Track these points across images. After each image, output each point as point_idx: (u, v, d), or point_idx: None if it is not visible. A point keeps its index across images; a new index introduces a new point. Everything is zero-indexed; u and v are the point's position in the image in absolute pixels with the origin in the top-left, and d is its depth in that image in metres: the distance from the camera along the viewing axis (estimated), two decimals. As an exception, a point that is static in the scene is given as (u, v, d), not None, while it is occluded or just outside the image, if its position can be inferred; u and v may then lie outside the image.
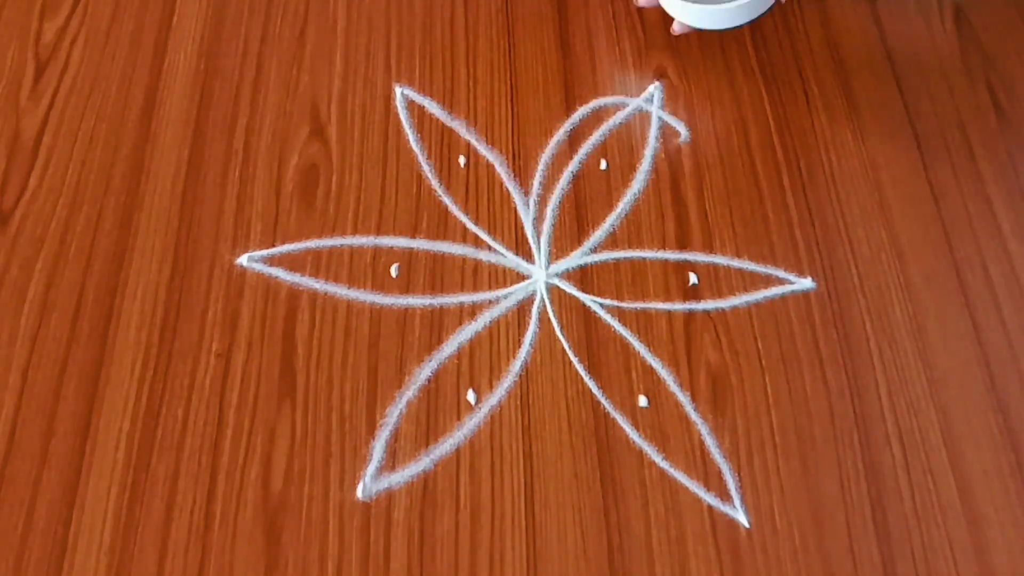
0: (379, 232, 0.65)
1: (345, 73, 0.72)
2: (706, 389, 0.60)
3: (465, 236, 0.65)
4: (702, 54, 0.74)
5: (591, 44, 0.75)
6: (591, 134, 0.70)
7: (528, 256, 0.65)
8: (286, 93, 0.71)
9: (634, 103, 0.72)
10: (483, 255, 0.65)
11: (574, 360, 0.61)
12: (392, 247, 0.65)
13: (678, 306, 0.63)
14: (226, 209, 0.66)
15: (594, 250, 0.65)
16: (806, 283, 0.64)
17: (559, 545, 0.55)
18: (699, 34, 0.75)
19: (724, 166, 0.69)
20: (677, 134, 0.70)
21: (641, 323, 0.62)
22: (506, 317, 0.62)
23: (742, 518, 0.56)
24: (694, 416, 0.59)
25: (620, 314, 0.63)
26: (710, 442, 0.58)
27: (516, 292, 0.63)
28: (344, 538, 0.55)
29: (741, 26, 0.72)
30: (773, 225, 0.67)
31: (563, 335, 0.62)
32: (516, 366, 0.60)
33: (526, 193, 0.67)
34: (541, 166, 0.69)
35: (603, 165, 0.69)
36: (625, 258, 0.65)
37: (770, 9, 0.70)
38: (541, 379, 0.60)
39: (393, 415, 0.58)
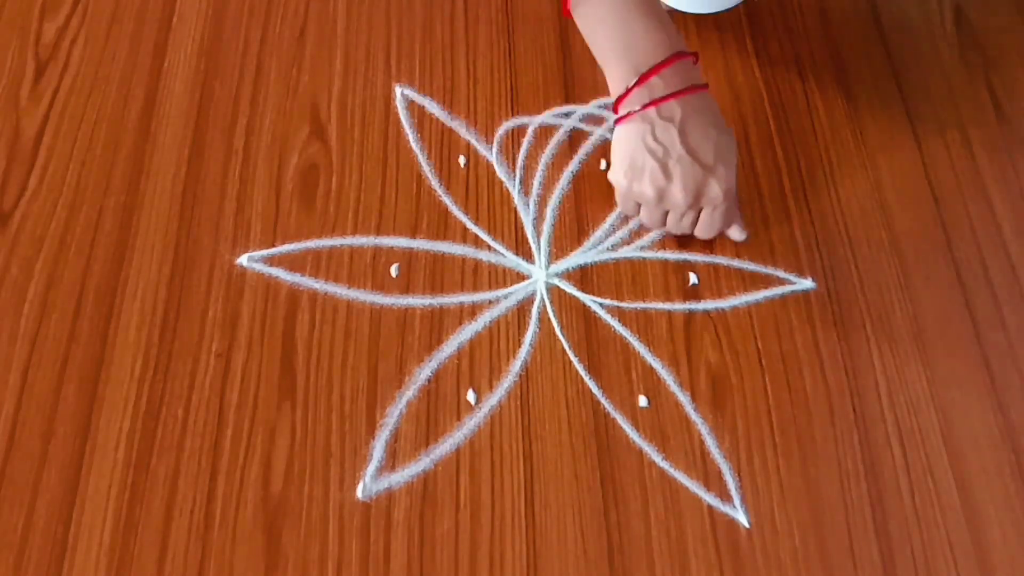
0: (379, 232, 0.65)
1: (345, 73, 0.72)
2: (706, 389, 0.60)
3: (465, 236, 0.65)
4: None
5: (591, 44, 0.74)
6: (591, 134, 0.70)
7: (528, 256, 0.65)
8: (286, 93, 0.71)
9: (634, 103, 0.72)
10: (483, 255, 0.65)
11: (574, 360, 0.61)
12: (392, 247, 0.65)
13: (678, 306, 0.63)
14: (226, 209, 0.66)
15: (594, 250, 0.65)
16: (806, 283, 0.64)
17: (559, 545, 0.55)
18: (699, 34, 0.75)
19: (724, 166, 0.69)
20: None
21: (641, 323, 0.62)
22: (506, 317, 0.62)
23: (742, 518, 0.56)
24: (694, 416, 0.59)
25: (620, 314, 0.63)
26: (710, 442, 0.58)
27: (516, 292, 0.63)
28: (344, 538, 0.55)
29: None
30: (773, 225, 0.67)
31: (563, 335, 0.62)
32: (516, 366, 0.60)
33: (526, 193, 0.67)
34: (541, 166, 0.69)
35: (603, 165, 0.69)
36: (625, 258, 0.65)
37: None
38: (541, 379, 0.60)
39: (393, 415, 0.58)
